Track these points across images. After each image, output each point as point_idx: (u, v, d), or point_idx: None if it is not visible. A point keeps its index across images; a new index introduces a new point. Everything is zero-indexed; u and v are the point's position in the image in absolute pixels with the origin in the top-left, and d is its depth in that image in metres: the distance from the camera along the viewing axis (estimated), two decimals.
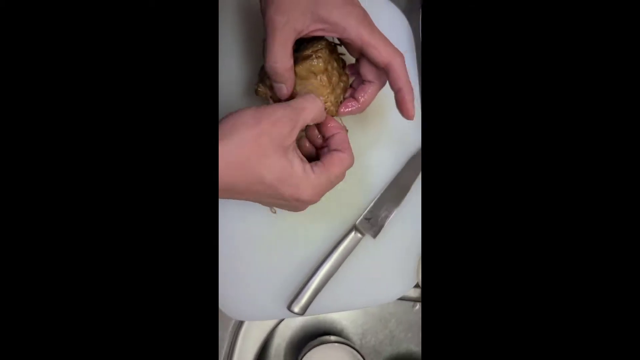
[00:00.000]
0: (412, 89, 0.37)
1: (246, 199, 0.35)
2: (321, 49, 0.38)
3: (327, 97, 0.38)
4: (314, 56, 0.37)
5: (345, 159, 0.36)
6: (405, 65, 0.37)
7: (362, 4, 0.49)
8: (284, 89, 0.38)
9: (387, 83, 0.38)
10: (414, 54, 0.51)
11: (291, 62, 0.36)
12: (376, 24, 0.47)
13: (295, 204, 0.36)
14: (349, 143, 0.37)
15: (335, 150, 0.37)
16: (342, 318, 0.56)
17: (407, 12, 0.52)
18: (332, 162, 0.36)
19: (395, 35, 0.50)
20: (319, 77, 0.38)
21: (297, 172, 0.34)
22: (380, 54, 0.36)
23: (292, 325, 0.55)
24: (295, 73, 0.37)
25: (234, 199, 0.34)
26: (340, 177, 0.37)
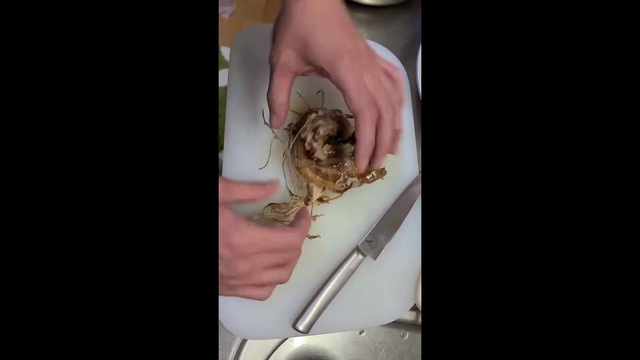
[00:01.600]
0: (368, 145, 0.39)
1: None
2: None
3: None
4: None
5: (290, 234, 0.38)
6: (371, 121, 0.38)
7: None
8: (274, 120, 0.42)
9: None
10: (409, 95, 0.57)
11: (285, 97, 0.40)
12: None
13: (226, 252, 0.34)
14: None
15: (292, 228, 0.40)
16: (333, 348, 0.56)
17: (403, 59, 0.58)
18: (277, 229, 0.37)
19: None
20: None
21: (227, 218, 0.34)
22: (351, 102, 0.38)
23: (283, 356, 0.54)
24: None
25: None
26: (274, 244, 0.36)
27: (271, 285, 0.38)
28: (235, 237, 0.33)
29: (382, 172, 0.49)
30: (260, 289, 0.37)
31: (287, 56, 0.38)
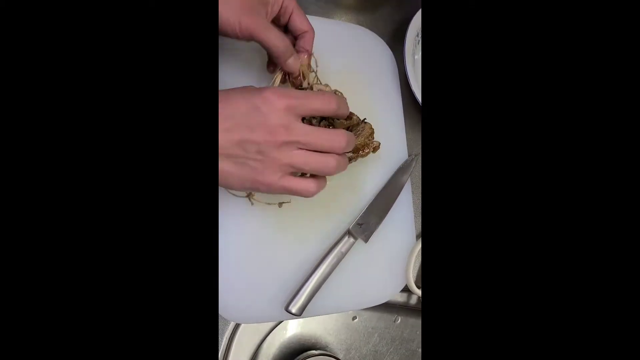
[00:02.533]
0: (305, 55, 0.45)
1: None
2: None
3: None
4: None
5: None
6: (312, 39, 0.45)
7: (350, 35, 0.56)
8: (294, 62, 0.43)
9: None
10: (397, 80, 0.57)
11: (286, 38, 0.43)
12: (362, 53, 0.56)
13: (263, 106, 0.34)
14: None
15: None
16: (326, 333, 0.56)
17: (391, 43, 0.58)
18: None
19: (378, 62, 0.57)
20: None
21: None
22: (302, 23, 0.44)
23: (276, 343, 0.54)
24: None
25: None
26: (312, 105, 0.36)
27: (315, 173, 0.36)
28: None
29: (376, 147, 0.49)
30: (306, 180, 0.36)
31: (257, 12, 0.40)
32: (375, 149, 0.49)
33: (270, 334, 0.53)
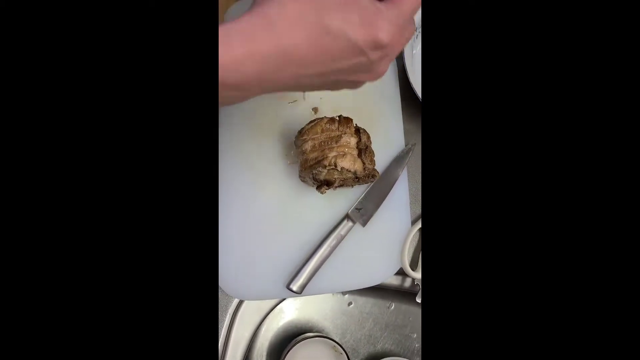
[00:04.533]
0: None
1: (310, 78, 0.30)
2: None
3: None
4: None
5: None
6: None
7: None
8: None
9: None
10: (395, 73, 0.59)
11: None
12: None
13: (373, 56, 0.30)
14: None
15: None
16: (322, 319, 0.58)
17: None
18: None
19: None
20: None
21: (364, 4, 0.28)
22: None
23: (273, 327, 0.56)
24: None
25: (292, 85, 0.30)
26: (409, 14, 0.31)
27: None
28: (382, 33, 0.29)
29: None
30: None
31: None
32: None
33: (269, 319, 0.54)
